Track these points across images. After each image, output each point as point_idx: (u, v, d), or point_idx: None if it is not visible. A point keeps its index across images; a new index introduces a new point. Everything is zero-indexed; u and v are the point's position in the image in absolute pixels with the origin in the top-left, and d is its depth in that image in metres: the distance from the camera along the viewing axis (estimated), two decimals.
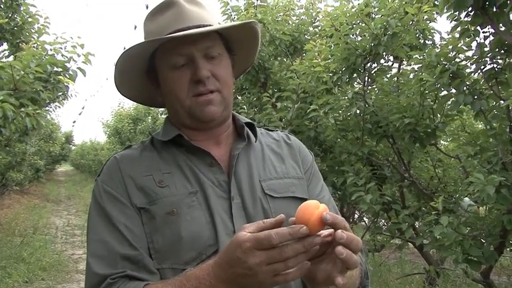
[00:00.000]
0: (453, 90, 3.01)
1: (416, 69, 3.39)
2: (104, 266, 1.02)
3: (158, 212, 1.05)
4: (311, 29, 5.31)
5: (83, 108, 11.74)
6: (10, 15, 5.48)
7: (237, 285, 0.89)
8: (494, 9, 2.65)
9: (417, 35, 3.78)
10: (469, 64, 2.96)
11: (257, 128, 1.24)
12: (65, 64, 4.14)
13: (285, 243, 0.83)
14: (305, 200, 1.17)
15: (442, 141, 4.50)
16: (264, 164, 1.18)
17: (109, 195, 1.09)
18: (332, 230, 0.87)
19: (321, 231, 0.87)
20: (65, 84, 4.14)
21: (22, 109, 3.54)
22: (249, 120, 1.23)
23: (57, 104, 7.93)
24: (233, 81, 1.19)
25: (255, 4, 4.94)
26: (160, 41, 1.08)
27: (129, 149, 1.20)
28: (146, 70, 1.17)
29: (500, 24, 2.70)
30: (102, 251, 1.04)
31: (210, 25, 1.11)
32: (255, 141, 1.21)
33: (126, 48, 1.08)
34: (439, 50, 3.11)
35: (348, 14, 3.70)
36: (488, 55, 2.82)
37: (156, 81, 1.16)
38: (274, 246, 0.83)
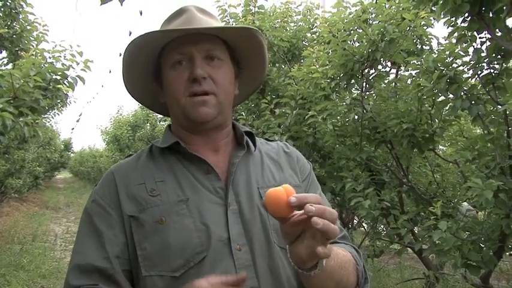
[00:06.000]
0: (451, 96, 3.02)
1: (413, 74, 3.40)
2: (78, 277, 1.05)
3: (147, 220, 1.07)
4: (309, 35, 5.33)
5: (80, 115, 11.63)
6: (9, 23, 5.49)
7: None
8: (491, 15, 2.66)
9: (414, 41, 3.80)
10: (466, 69, 2.97)
11: (256, 138, 1.26)
12: (64, 72, 4.14)
13: None
14: None
15: (440, 146, 4.50)
16: (262, 172, 1.19)
17: (99, 205, 1.11)
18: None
19: (294, 212, 0.90)
20: (64, 92, 4.15)
21: (21, 118, 3.54)
22: (249, 129, 1.25)
23: (55, 111, 7.94)
24: (233, 89, 1.20)
25: (253, 11, 4.96)
26: (155, 35, 1.12)
27: (128, 157, 1.22)
28: (153, 72, 1.20)
29: (497, 30, 2.72)
30: (79, 261, 1.07)
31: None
32: (254, 150, 1.22)
33: (129, 43, 1.11)
34: (437, 55, 3.13)
35: (345, 20, 3.72)
36: (485, 60, 2.83)
37: (161, 83, 1.19)
38: None
